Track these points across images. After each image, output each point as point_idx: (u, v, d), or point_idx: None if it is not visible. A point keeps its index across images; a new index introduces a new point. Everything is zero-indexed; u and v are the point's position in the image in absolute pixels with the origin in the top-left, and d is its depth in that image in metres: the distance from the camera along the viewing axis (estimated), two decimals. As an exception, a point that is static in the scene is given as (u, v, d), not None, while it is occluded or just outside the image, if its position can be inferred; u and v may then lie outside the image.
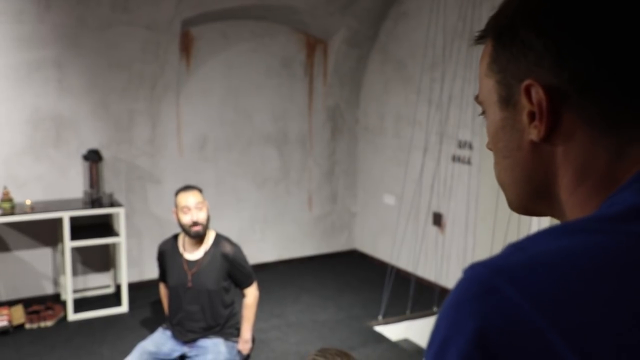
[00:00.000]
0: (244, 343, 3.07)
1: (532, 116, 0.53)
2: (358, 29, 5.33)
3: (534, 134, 0.53)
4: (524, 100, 0.53)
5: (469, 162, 4.56)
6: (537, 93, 0.52)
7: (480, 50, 0.62)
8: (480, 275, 0.45)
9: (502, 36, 0.56)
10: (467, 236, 4.57)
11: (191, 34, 4.92)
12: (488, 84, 0.58)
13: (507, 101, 0.55)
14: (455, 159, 4.67)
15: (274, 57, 5.35)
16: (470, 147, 4.54)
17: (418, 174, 4.80)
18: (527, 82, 0.52)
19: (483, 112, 0.62)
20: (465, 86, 4.52)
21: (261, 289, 3.27)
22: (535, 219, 4.37)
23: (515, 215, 4.20)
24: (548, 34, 0.52)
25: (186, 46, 4.92)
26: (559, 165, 0.53)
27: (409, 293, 4.42)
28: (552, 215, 0.58)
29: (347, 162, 5.86)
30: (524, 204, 0.59)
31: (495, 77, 0.57)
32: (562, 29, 0.51)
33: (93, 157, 4.43)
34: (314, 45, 5.51)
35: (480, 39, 0.60)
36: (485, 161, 4.44)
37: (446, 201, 4.76)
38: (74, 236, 4.17)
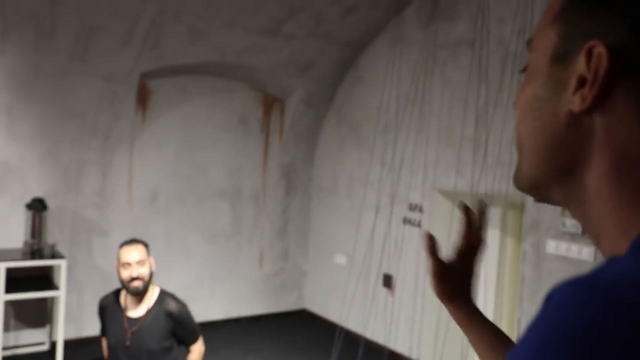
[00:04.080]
0: (185, 404, 2.93)
1: (581, 83, 0.47)
2: (315, 90, 5.46)
3: (576, 103, 0.47)
4: (580, 62, 0.47)
5: (419, 225, 4.63)
6: (599, 57, 0.45)
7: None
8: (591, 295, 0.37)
9: None
10: (416, 298, 4.58)
11: (149, 86, 4.93)
12: (548, 34, 0.51)
13: (561, 58, 0.49)
14: (406, 221, 4.73)
15: (232, 113, 5.39)
16: (421, 210, 4.62)
17: (369, 234, 4.83)
18: (592, 42, 0.46)
19: (527, 66, 0.55)
20: (417, 150, 4.64)
21: (207, 349, 3.16)
22: (482, 279, 4.43)
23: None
24: None
25: (143, 98, 4.91)
26: (597, 145, 0.46)
27: (358, 356, 4.35)
28: (564, 202, 0.51)
29: (300, 219, 5.86)
30: (538, 180, 0.52)
31: (558, 29, 0.50)
32: None
33: (37, 206, 4.28)
34: (271, 103, 5.60)
35: None
36: (435, 224, 4.52)
37: (396, 262, 4.78)
38: (10, 289, 3.96)
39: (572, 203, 0.50)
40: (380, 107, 4.92)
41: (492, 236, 4.49)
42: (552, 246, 3.62)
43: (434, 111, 4.51)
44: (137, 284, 2.84)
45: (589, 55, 0.46)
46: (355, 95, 5.38)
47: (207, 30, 4.59)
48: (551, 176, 0.50)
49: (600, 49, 0.45)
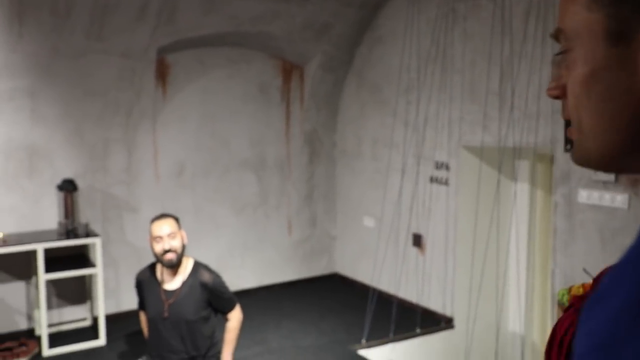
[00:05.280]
0: (225, 367, 3.01)
1: None
2: (333, 54, 5.39)
3: None
4: None
5: (446, 183, 4.60)
6: None
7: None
8: None
9: None
10: (447, 256, 4.58)
11: (167, 61, 4.92)
12: (588, 18, 0.51)
13: (619, 37, 0.49)
14: (433, 179, 4.71)
15: (251, 83, 5.37)
16: (447, 168, 4.58)
17: (396, 195, 4.82)
18: None
19: (564, 51, 0.55)
20: (440, 108, 4.58)
21: (242, 319, 3.22)
22: (514, 233, 4.41)
23: (493, 233, 4.24)
24: None
25: (162, 73, 4.91)
26: None
27: (392, 315, 4.40)
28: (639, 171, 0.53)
29: (326, 185, 5.86)
30: (613, 155, 0.52)
31: (604, 11, 0.50)
32: None
33: (67, 187, 4.36)
34: (290, 70, 5.55)
35: None
36: (462, 181, 4.49)
37: (425, 222, 4.78)
38: (49, 268, 4.07)
39: None
40: (400, 68, 4.84)
41: (522, 189, 4.45)
42: (584, 195, 3.57)
43: (457, 68, 4.43)
44: (170, 256, 2.89)
45: None
46: (375, 57, 5.30)
47: (220, 1, 4.54)
48: (628, 150, 0.51)
49: None
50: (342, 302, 5.15)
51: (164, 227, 2.90)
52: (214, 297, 2.98)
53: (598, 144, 0.53)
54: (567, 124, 3.65)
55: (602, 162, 0.54)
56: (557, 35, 0.56)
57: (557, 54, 0.56)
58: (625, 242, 3.36)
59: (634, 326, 0.37)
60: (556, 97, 0.58)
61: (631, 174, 0.55)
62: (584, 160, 0.55)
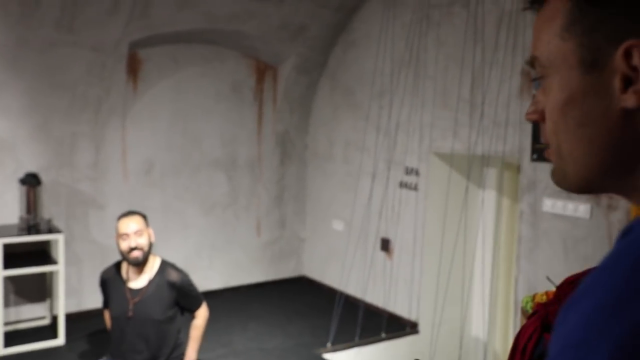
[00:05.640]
0: (190, 364, 2.97)
1: (626, 81, 0.48)
2: (308, 56, 5.38)
3: (631, 100, 0.48)
4: (617, 63, 0.48)
5: (415, 188, 4.63)
6: None
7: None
8: None
9: None
10: (414, 261, 4.61)
11: (139, 57, 4.84)
12: (562, 47, 0.52)
13: (593, 64, 0.50)
14: (403, 185, 4.74)
15: (224, 82, 5.32)
16: (417, 173, 4.62)
17: (366, 199, 4.84)
18: (628, 43, 0.47)
19: (540, 77, 0.56)
20: (412, 113, 4.61)
21: (208, 317, 3.18)
22: (480, 239, 4.47)
23: (460, 239, 4.29)
24: None
25: (133, 69, 4.83)
26: None
27: (358, 319, 4.40)
28: (618, 191, 0.54)
29: (296, 187, 5.85)
30: (592, 178, 0.54)
31: (576, 40, 0.51)
32: None
33: (31, 181, 4.24)
34: (264, 70, 5.53)
35: None
36: (431, 187, 4.53)
37: (394, 227, 4.80)
38: (8, 264, 3.95)
39: (625, 190, 0.53)
40: (374, 72, 4.87)
41: (489, 196, 4.51)
42: (549, 204, 3.63)
43: (429, 73, 4.47)
44: (136, 254, 2.84)
45: (627, 56, 0.47)
46: (349, 60, 5.31)
47: (195, -3, 4.49)
48: (608, 172, 0.52)
49: None
50: (310, 305, 5.14)
51: (131, 225, 2.86)
52: (181, 296, 2.95)
53: (577, 168, 0.54)
54: (536, 128, 3.72)
55: (580, 184, 0.55)
56: (532, 62, 0.57)
57: (534, 80, 0.58)
58: (587, 250, 3.43)
59: (605, 327, 0.38)
60: (535, 121, 0.60)
61: (608, 193, 0.56)
62: (563, 182, 0.57)
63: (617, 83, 0.49)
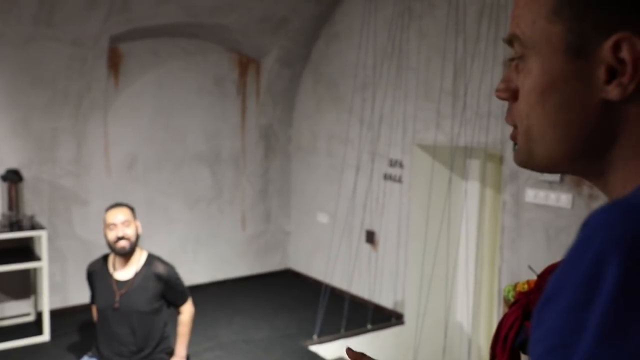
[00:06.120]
0: None
1: (611, 72, 0.48)
2: (290, 49, 5.37)
3: (614, 92, 0.48)
4: (605, 54, 0.48)
5: (399, 180, 4.66)
6: (634, 49, 0.46)
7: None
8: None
9: None
10: (399, 253, 4.65)
11: (120, 51, 4.80)
12: (548, 29, 0.51)
13: (579, 51, 0.49)
14: (387, 177, 4.76)
15: (206, 76, 5.29)
16: (401, 165, 4.65)
17: (351, 192, 4.86)
18: (618, 35, 0.47)
19: (519, 57, 0.55)
20: (395, 106, 4.63)
21: (195, 312, 3.19)
22: (464, 230, 4.51)
23: (444, 231, 4.33)
24: None
25: (114, 63, 4.78)
26: (628, 126, 0.49)
27: (343, 311, 4.43)
28: (583, 174, 0.55)
29: (281, 180, 5.85)
30: (560, 161, 0.54)
31: (564, 24, 0.50)
32: None
33: (12, 177, 4.20)
34: (246, 64, 5.50)
35: None
36: (415, 179, 4.56)
37: (378, 219, 4.83)
38: (-10, 262, 3.91)
39: (591, 174, 0.54)
40: (357, 64, 4.87)
41: (473, 187, 4.55)
42: (531, 195, 3.68)
43: (412, 65, 4.49)
44: (123, 243, 2.85)
45: (616, 47, 0.47)
46: (332, 52, 5.31)
47: (176, -10, 4.45)
48: (575, 157, 0.53)
49: (632, 41, 0.46)
50: (295, 298, 5.16)
51: (118, 215, 2.88)
52: (167, 289, 2.95)
53: (546, 151, 0.54)
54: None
55: (546, 166, 0.56)
56: (510, 40, 0.55)
57: (511, 59, 0.56)
58: (569, 240, 3.48)
59: (579, 326, 0.40)
60: (504, 99, 0.59)
61: (571, 175, 0.57)
62: (528, 163, 0.57)
63: (601, 73, 0.48)
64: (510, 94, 0.57)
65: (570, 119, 0.51)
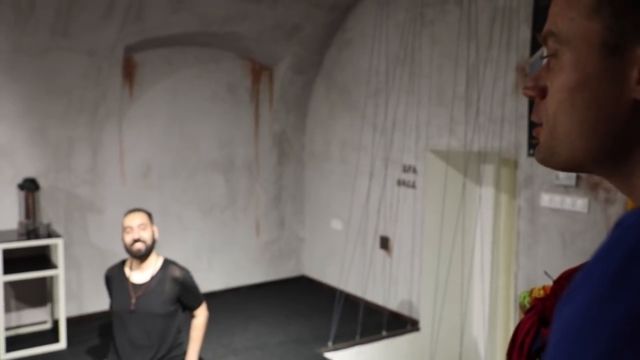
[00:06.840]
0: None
1: None
2: (303, 56, 5.39)
3: None
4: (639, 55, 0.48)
5: (413, 186, 4.65)
6: None
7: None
8: None
9: None
10: (414, 259, 4.63)
11: (134, 60, 4.85)
12: (586, 26, 0.51)
13: (615, 49, 0.49)
14: (400, 182, 4.75)
15: (220, 84, 5.33)
16: (415, 171, 4.63)
17: (364, 198, 4.85)
18: None
19: (552, 54, 0.55)
20: (408, 112, 4.63)
21: (209, 317, 3.20)
22: (479, 236, 4.48)
23: (459, 236, 4.30)
24: None
25: (129, 72, 4.84)
26: None
27: (358, 318, 4.42)
28: (607, 175, 0.55)
29: (294, 187, 5.86)
30: (583, 161, 0.54)
31: (603, 22, 0.50)
32: None
33: (29, 186, 4.25)
34: (259, 71, 5.53)
35: None
36: (429, 184, 4.54)
37: (392, 225, 4.82)
38: (8, 270, 3.95)
39: (615, 176, 0.53)
40: (369, 70, 4.88)
41: (487, 193, 4.53)
42: (546, 199, 3.65)
43: (424, 71, 4.48)
44: (138, 246, 2.90)
45: None
46: (344, 59, 5.33)
47: (189, 0, 4.50)
48: (600, 157, 0.52)
49: None
50: (310, 305, 5.15)
51: (135, 219, 2.94)
52: (183, 292, 2.99)
53: (571, 149, 0.53)
54: (532, 124, 3.73)
55: (569, 165, 0.55)
56: (545, 37, 0.55)
57: (546, 57, 0.56)
58: (585, 245, 3.45)
59: (601, 316, 0.39)
60: (531, 97, 0.58)
61: (595, 174, 0.56)
62: (550, 161, 0.56)
63: (635, 73, 0.48)
64: (539, 92, 0.57)
65: (599, 118, 0.51)
